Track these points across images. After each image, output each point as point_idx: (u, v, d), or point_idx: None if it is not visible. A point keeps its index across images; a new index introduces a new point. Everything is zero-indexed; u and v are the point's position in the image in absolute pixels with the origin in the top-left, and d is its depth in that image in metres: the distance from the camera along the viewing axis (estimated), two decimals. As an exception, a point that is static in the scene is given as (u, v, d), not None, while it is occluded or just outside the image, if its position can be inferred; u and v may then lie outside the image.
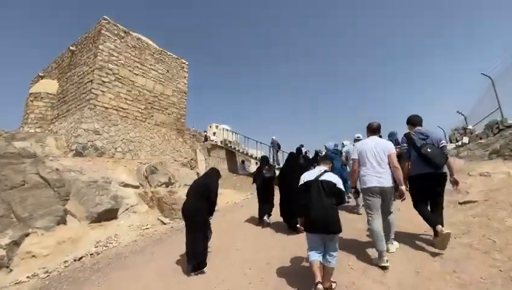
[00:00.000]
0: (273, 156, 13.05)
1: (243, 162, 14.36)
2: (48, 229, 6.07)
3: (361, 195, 3.33)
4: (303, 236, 2.89)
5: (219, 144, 14.40)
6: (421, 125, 3.36)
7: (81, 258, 5.36)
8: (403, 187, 2.94)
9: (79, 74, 11.08)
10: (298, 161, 5.29)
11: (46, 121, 11.93)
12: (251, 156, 13.80)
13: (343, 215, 3.06)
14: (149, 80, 12.24)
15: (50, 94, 12.31)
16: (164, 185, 10.08)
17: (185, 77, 14.23)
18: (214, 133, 14.64)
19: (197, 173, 12.87)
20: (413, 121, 3.40)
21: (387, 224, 3.09)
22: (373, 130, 3.31)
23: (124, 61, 11.27)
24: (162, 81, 12.89)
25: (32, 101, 12.04)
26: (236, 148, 14.06)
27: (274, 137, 13.38)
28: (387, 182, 2.98)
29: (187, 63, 14.45)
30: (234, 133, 15.64)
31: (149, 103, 12.05)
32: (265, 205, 5.44)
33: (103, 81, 10.39)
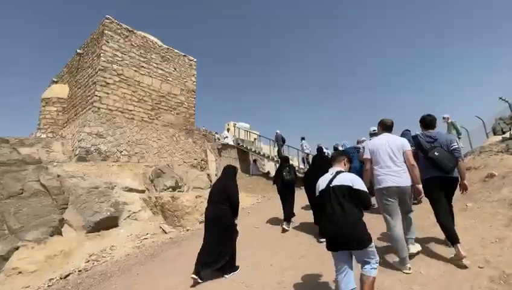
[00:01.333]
0: (278, 151, 12.22)
1: (254, 161, 13.58)
2: (40, 242, 5.72)
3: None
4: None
5: (230, 143, 13.73)
6: (433, 127, 3.17)
7: (67, 275, 4.91)
8: (420, 186, 2.78)
9: (85, 76, 10.89)
10: (324, 161, 4.95)
11: (58, 125, 11.95)
12: (263, 155, 13.00)
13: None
14: (155, 79, 11.82)
15: (61, 99, 12.33)
16: (170, 189, 9.57)
17: (193, 75, 13.70)
18: (225, 137, 13.89)
19: (208, 175, 12.31)
20: (426, 122, 3.19)
21: (407, 223, 2.88)
22: (387, 127, 3.11)
23: (128, 61, 10.92)
24: (169, 80, 12.43)
25: (44, 106, 12.11)
26: (249, 148, 13.31)
27: (278, 131, 12.60)
28: (405, 181, 2.78)
29: (195, 60, 13.90)
30: (247, 132, 14.91)
31: (156, 103, 11.64)
32: (285, 209, 5.20)
33: (107, 83, 10.08)
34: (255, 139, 15.16)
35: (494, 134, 9.18)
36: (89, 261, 5.40)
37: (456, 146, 2.98)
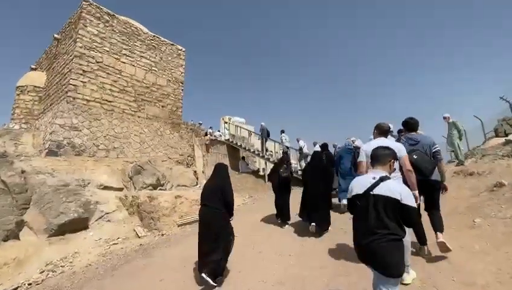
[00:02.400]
0: (262, 145, 11.76)
1: (243, 158, 12.95)
2: (-11, 248, 5.06)
3: None
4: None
5: (219, 138, 13.06)
6: (416, 130, 3.22)
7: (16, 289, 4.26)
8: (416, 192, 2.68)
9: (61, 63, 10.07)
10: (321, 161, 5.08)
11: (33, 116, 11.14)
12: (254, 152, 12.36)
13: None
14: (139, 68, 11.04)
15: (37, 87, 11.48)
16: (151, 187, 8.92)
17: (181, 66, 12.92)
18: (220, 135, 13.21)
19: (194, 172, 11.67)
20: (408, 125, 3.26)
21: None
22: (383, 131, 3.05)
23: (109, 48, 10.10)
24: (155, 70, 11.65)
25: (18, 95, 11.26)
26: (239, 144, 12.66)
27: (263, 123, 12.02)
28: None
29: (183, 49, 13.10)
30: (237, 127, 14.23)
31: (139, 95, 10.88)
32: (279, 207, 5.24)
33: (84, 71, 9.29)
34: (250, 134, 14.43)
35: (496, 135, 8.69)
36: (43, 271, 4.75)
37: (438, 148, 3.00)
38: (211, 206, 3.32)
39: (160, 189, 9.31)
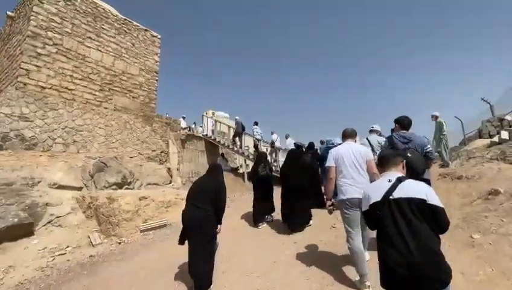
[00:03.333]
0: (239, 140, 11.30)
1: (222, 155, 12.23)
2: None
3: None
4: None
5: (201, 135, 12.24)
6: (408, 128, 3.16)
7: None
8: None
9: (14, 45, 8.85)
10: (299, 159, 4.89)
11: (-18, 103, 9.80)
12: (232, 149, 11.66)
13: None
14: (107, 54, 9.97)
15: (-12, 71, 10.12)
16: (115, 186, 8.03)
17: (156, 54, 11.92)
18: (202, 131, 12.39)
19: (168, 169, 10.82)
20: (402, 123, 3.18)
21: (363, 237, 2.71)
22: (348, 135, 3.04)
23: (70, 30, 8.99)
24: (126, 57, 10.61)
25: (-36, 79, 9.87)
26: (217, 140, 11.90)
27: (238, 118, 11.54)
28: None
29: (159, 36, 12.09)
30: (217, 122, 13.43)
31: (106, 83, 9.84)
32: (263, 203, 5.05)
33: (38, 54, 8.16)
34: (229, 128, 13.66)
35: (480, 137, 8.52)
36: (-41, 293, 3.87)
37: (430, 148, 2.98)
38: (202, 208, 2.88)
39: (126, 188, 8.44)
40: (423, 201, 1.46)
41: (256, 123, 11.31)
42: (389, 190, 1.54)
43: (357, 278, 2.59)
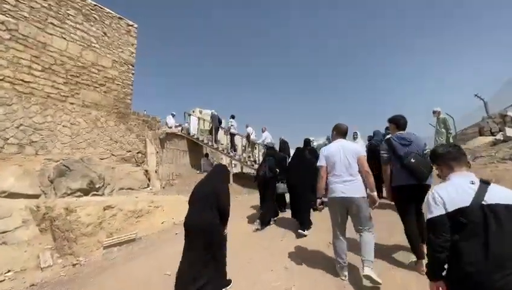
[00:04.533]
0: (213, 134, 11.00)
1: (206, 155, 11.33)
2: None
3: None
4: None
5: (177, 132, 11.28)
6: (404, 129, 2.94)
7: None
8: (374, 193, 2.65)
9: (-41, 29, 7.60)
10: (305, 157, 4.96)
11: None
12: (217, 149, 10.78)
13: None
14: (73, 43, 8.85)
15: None
16: (79, 193, 7.02)
17: (132, 45, 10.84)
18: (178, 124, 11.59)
19: (146, 171, 9.84)
20: (398, 123, 2.94)
21: (362, 242, 2.57)
22: (342, 132, 2.93)
23: (28, 14, 7.83)
24: (96, 48, 9.51)
25: None
26: (200, 139, 10.98)
27: (214, 111, 11.27)
28: (355, 192, 2.59)
29: (135, 25, 11.01)
30: (201, 120, 12.51)
31: (73, 76, 8.73)
32: (263, 205, 4.96)
33: (-14, 40, 7.00)
34: (209, 126, 12.79)
35: (481, 134, 8.05)
36: None
37: (428, 151, 2.72)
38: (203, 212, 2.68)
39: (94, 194, 7.44)
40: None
41: (232, 117, 10.87)
42: (478, 194, 1.26)
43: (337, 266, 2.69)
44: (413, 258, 2.72)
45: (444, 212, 1.28)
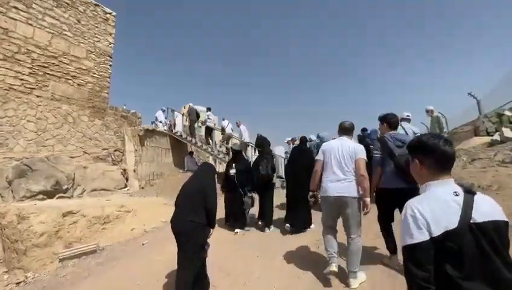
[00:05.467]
0: (189, 127, 10.50)
1: (191, 153, 10.72)
2: None
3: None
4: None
5: (162, 129, 10.61)
6: (396, 128, 2.88)
7: None
8: (368, 199, 2.52)
9: None
10: (306, 152, 4.86)
11: None
12: (201, 147, 10.17)
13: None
14: (41, 30, 8.07)
15: None
16: (41, 196, 6.34)
17: (110, 34, 10.08)
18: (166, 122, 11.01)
19: (123, 170, 9.18)
20: (390, 122, 2.82)
21: (349, 251, 2.57)
22: (345, 129, 2.83)
23: (-14, -4, 7.03)
24: (68, 36, 8.74)
25: None
26: (184, 136, 10.34)
27: (191, 104, 10.87)
28: (348, 192, 2.53)
29: (113, 13, 10.24)
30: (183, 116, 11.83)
31: (40, 66, 7.97)
32: (262, 209, 4.86)
33: None
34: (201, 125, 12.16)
35: (476, 134, 7.69)
36: None
37: None
38: (185, 213, 2.60)
39: (61, 197, 6.77)
40: (506, 223, 0.99)
41: (209, 109, 10.50)
42: (466, 211, 0.97)
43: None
44: None
45: (428, 237, 0.99)
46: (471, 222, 0.96)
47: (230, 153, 9.23)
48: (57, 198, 6.66)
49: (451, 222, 0.96)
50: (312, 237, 3.94)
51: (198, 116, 10.46)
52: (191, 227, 2.53)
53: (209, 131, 10.30)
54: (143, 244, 4.55)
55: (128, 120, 10.29)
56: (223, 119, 10.55)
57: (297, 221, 4.29)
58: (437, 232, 0.96)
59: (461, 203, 0.99)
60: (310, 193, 2.87)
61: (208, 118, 10.23)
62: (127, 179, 9.13)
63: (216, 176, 3.23)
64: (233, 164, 4.65)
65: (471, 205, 0.99)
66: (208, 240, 2.69)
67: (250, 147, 9.38)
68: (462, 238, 0.95)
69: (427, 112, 5.95)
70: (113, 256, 4.28)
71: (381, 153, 2.77)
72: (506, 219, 1.00)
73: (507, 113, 6.98)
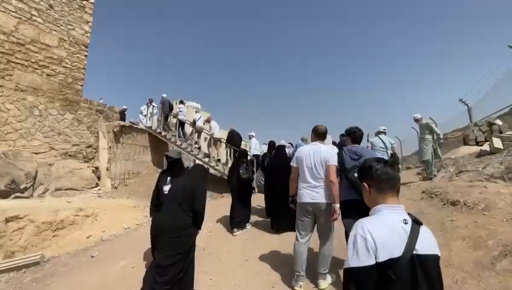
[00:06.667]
0: (162, 122, 9.98)
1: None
2: None
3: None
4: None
5: (139, 126, 10.04)
6: (359, 142, 2.88)
7: None
8: (337, 205, 2.54)
9: None
10: (287, 156, 5.03)
11: None
12: (180, 145, 9.65)
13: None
14: (5, 15, 7.42)
15: None
16: (-7, 196, 5.75)
17: (86, 22, 9.44)
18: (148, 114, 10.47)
19: (95, 169, 8.62)
20: (353, 136, 2.86)
21: (320, 255, 2.65)
22: (319, 134, 2.88)
23: None
24: (38, 22, 8.09)
25: None
26: (163, 134, 9.79)
27: (165, 95, 10.24)
28: (322, 198, 2.61)
29: (92, 0, 9.60)
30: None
31: (3, 54, 7.32)
32: (242, 209, 4.64)
33: None
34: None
35: (465, 143, 7.37)
36: None
37: None
38: (171, 213, 2.50)
39: (17, 197, 6.20)
40: (439, 258, 1.04)
41: (181, 102, 10.25)
42: (411, 240, 1.00)
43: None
44: None
45: (374, 261, 0.97)
46: (413, 252, 0.98)
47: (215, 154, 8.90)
48: (13, 198, 6.09)
49: (397, 249, 0.97)
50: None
51: (171, 108, 10.06)
52: (180, 226, 2.46)
53: (181, 124, 9.97)
54: (92, 257, 4.04)
55: (105, 115, 9.68)
56: (196, 112, 10.32)
57: (282, 222, 4.21)
58: (383, 257, 0.96)
59: (408, 232, 1.00)
60: (290, 199, 2.91)
61: (180, 111, 9.85)
62: (99, 178, 8.57)
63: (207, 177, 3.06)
64: (168, 178, 3.22)
65: (417, 235, 1.00)
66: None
67: (220, 142, 9.24)
68: (402, 267, 0.96)
69: (415, 120, 5.63)
70: (53, 271, 3.76)
71: (337, 166, 2.81)
72: (439, 253, 1.03)
73: (498, 122, 6.67)
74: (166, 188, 3.08)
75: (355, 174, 2.42)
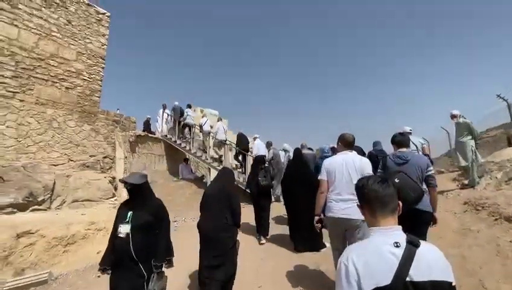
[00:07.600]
0: (177, 130, 10.06)
1: (186, 161, 10.06)
2: None
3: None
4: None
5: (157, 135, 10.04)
6: (407, 146, 2.71)
7: None
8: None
9: None
10: (307, 164, 4.59)
11: None
12: (195, 154, 9.48)
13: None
14: (27, 31, 7.68)
15: None
16: (11, 209, 5.81)
17: (103, 35, 9.64)
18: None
19: (112, 179, 8.61)
20: (398, 142, 2.71)
21: None
22: (348, 143, 2.72)
23: (-34, -5, 6.70)
24: (57, 37, 8.33)
25: None
26: (178, 142, 9.70)
27: (177, 103, 10.27)
28: (356, 213, 2.02)
29: (107, 14, 9.82)
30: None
31: (24, 69, 7.56)
32: (259, 220, 4.58)
33: None
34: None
35: (509, 144, 6.49)
36: None
37: (432, 172, 2.48)
38: (215, 215, 2.68)
39: (35, 209, 6.23)
40: (450, 285, 0.90)
41: (189, 106, 10.21)
42: (402, 267, 0.89)
43: None
44: None
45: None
46: (407, 279, 0.88)
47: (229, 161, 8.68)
48: (31, 211, 6.13)
49: (385, 277, 0.89)
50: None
51: (182, 114, 10.12)
52: (223, 228, 2.62)
53: (188, 128, 10.00)
54: (98, 276, 3.84)
55: (121, 125, 9.77)
56: (203, 116, 10.25)
57: (302, 240, 3.95)
58: (367, 287, 0.89)
59: (400, 256, 0.91)
60: (316, 218, 2.67)
61: (188, 115, 9.89)
62: (115, 188, 8.57)
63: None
64: (129, 213, 2.26)
65: (411, 259, 0.90)
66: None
67: (227, 145, 9.05)
68: None
69: (452, 117, 4.97)
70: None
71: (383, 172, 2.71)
72: (451, 280, 0.90)
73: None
74: (123, 229, 2.17)
75: (396, 180, 2.23)
